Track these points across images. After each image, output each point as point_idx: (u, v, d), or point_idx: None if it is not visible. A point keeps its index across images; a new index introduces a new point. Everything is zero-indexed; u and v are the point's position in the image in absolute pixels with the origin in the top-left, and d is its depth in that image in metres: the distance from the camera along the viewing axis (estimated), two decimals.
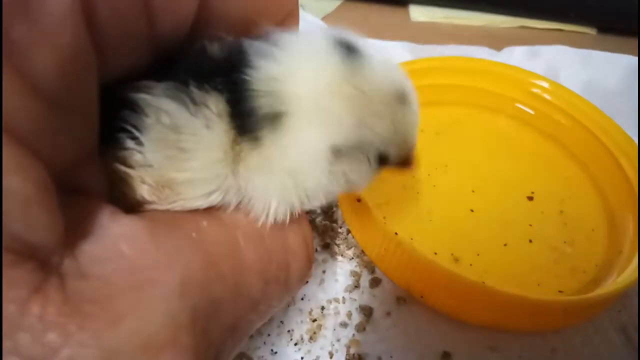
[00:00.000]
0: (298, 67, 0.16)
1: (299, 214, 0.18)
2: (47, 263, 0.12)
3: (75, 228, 0.13)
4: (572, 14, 0.60)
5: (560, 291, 0.31)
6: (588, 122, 0.39)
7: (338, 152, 0.17)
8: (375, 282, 0.32)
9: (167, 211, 0.15)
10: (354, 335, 0.29)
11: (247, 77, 0.15)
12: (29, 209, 0.10)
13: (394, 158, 0.20)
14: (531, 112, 0.42)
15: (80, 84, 0.12)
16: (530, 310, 0.27)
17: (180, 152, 0.15)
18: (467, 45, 0.51)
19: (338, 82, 0.16)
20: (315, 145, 0.16)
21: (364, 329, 0.29)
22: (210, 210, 0.16)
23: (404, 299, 0.31)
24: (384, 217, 0.30)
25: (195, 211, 0.16)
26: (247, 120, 0.15)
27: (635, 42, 0.54)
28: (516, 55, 0.50)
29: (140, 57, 0.15)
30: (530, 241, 0.34)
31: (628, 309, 0.32)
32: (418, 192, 0.36)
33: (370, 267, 0.32)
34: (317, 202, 0.18)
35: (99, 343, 0.11)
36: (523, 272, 0.32)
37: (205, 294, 0.14)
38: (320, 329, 0.29)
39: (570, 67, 0.48)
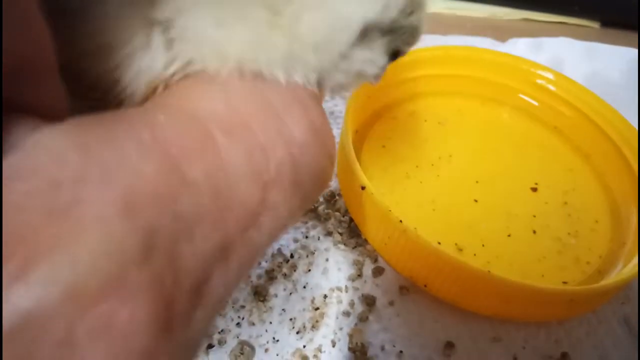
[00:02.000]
0: None
1: (301, 93, 0.14)
2: None
3: None
4: (576, 7, 0.60)
5: (564, 282, 0.31)
6: (592, 114, 0.39)
7: (364, 33, 0.14)
8: (378, 271, 0.31)
9: (109, 112, 0.11)
10: (356, 324, 0.29)
11: None
12: None
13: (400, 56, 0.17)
14: (535, 103, 0.42)
15: None
16: (537, 300, 0.26)
17: None
18: (470, 36, 0.50)
19: None
20: (349, 17, 0.13)
21: (367, 318, 0.29)
22: (170, 100, 0.12)
23: (407, 288, 0.30)
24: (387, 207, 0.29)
25: (150, 105, 0.12)
26: None
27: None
28: (520, 47, 0.49)
29: None
30: (534, 232, 0.33)
31: (631, 301, 0.32)
32: (421, 182, 0.35)
33: (373, 256, 0.32)
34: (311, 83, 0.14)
35: (8, 303, 0.08)
36: (527, 263, 0.32)
37: (167, 207, 0.10)
38: (322, 318, 0.29)
39: (575, 59, 0.47)
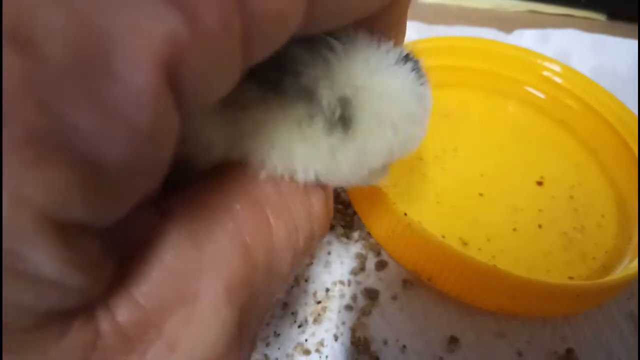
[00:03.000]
0: (377, 80, 0.15)
1: None
2: (95, 304, 0.11)
3: (119, 247, 0.12)
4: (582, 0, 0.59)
5: (570, 277, 0.30)
6: (599, 107, 0.39)
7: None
8: (381, 265, 0.31)
9: (202, 200, 0.14)
10: (359, 318, 0.28)
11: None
12: (79, 288, 0.10)
13: None
14: (542, 96, 0.41)
15: (155, 148, 0.10)
16: (543, 295, 0.26)
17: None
18: (476, 27, 0.49)
19: (411, 103, 0.16)
20: (380, 150, 0.15)
21: (370, 312, 0.29)
22: (241, 185, 0.15)
23: (411, 282, 0.30)
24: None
25: (229, 190, 0.14)
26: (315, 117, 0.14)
27: None
28: (526, 39, 0.49)
29: (225, 90, 0.12)
30: (540, 226, 0.33)
31: (637, 297, 0.31)
32: (426, 175, 0.35)
33: (376, 249, 0.32)
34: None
35: None
36: (532, 258, 0.31)
37: (246, 290, 0.13)
38: (325, 311, 0.28)
39: (581, 51, 0.47)
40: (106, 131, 0.08)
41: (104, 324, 0.11)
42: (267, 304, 0.15)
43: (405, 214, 0.27)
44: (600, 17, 0.60)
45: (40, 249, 0.08)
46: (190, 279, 0.12)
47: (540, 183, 0.36)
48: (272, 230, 0.14)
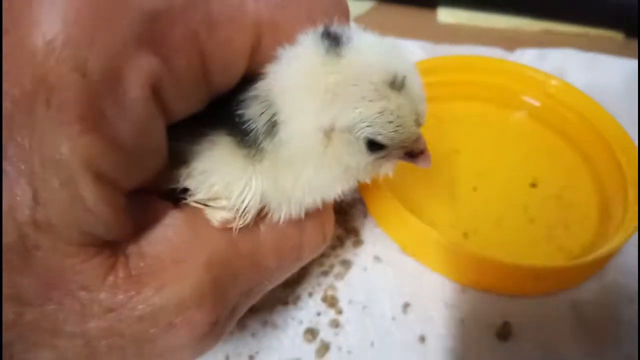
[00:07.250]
0: (282, 69, 0.18)
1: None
2: (118, 249, 0.17)
3: (140, 221, 0.18)
4: (598, 18, 0.61)
5: None
6: (593, 120, 0.42)
7: (329, 133, 0.18)
8: (357, 244, 0.36)
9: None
10: (331, 282, 0.34)
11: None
12: (107, 222, 0.16)
13: (393, 146, 0.20)
14: (543, 108, 0.45)
15: (151, 137, 0.17)
16: (507, 274, 0.31)
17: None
18: (481, 46, 0.54)
19: (318, 69, 0.18)
20: (304, 128, 0.18)
21: (342, 278, 0.34)
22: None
23: (380, 258, 0.35)
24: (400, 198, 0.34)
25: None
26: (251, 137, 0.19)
27: None
28: (527, 56, 0.52)
29: (197, 107, 0.19)
30: (529, 222, 0.37)
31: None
32: (433, 174, 0.39)
33: (354, 231, 0.37)
34: (329, 194, 0.21)
35: (150, 302, 0.17)
36: (519, 249, 0.36)
37: (226, 269, 0.19)
38: (305, 275, 0.34)
39: (576, 68, 0.50)
40: (122, 118, 0.15)
41: (120, 260, 0.17)
42: (255, 291, 0.21)
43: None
44: (616, 35, 0.62)
45: (86, 183, 0.15)
46: (184, 250, 0.18)
47: (534, 185, 0.40)
48: (260, 234, 0.21)
